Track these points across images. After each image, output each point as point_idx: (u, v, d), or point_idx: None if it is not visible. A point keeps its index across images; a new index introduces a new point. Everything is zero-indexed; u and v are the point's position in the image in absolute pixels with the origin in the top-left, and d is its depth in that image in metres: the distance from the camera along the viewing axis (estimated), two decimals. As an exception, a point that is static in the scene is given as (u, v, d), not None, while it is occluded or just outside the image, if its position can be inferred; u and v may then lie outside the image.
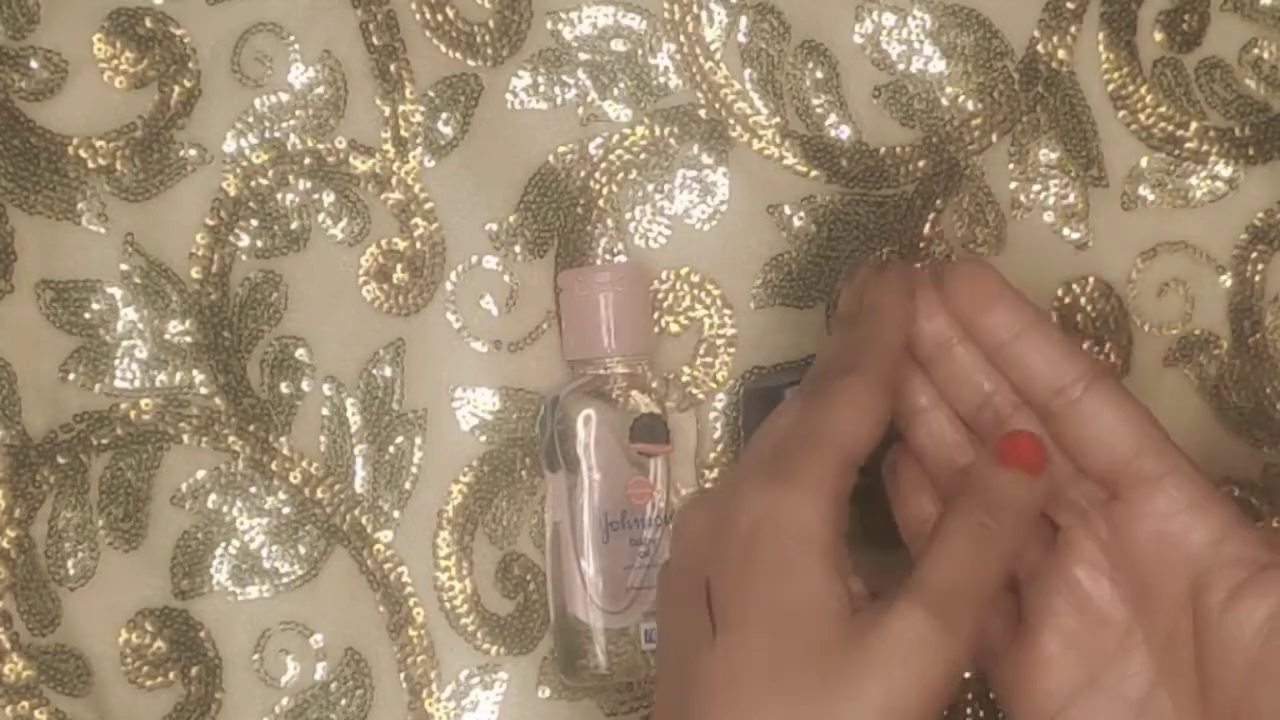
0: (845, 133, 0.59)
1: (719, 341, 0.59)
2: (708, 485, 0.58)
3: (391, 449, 0.58)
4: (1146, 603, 0.46)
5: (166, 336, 0.58)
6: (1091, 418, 0.46)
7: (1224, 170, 0.59)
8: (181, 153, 0.58)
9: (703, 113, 0.59)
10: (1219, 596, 0.44)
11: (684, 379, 0.59)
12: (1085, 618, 0.47)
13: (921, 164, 0.59)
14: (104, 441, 0.57)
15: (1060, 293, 0.59)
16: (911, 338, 0.48)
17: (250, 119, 0.58)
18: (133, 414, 0.58)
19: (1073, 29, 0.59)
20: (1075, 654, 0.47)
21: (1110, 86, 0.59)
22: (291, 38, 0.58)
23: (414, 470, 0.58)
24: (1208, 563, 0.45)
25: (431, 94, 0.58)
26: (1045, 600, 0.47)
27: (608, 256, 0.59)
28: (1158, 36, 0.59)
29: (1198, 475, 0.46)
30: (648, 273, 0.58)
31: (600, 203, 0.59)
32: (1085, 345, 0.59)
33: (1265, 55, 0.59)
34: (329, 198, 0.58)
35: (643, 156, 0.59)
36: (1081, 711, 0.47)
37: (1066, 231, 0.59)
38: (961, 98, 0.59)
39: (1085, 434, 0.46)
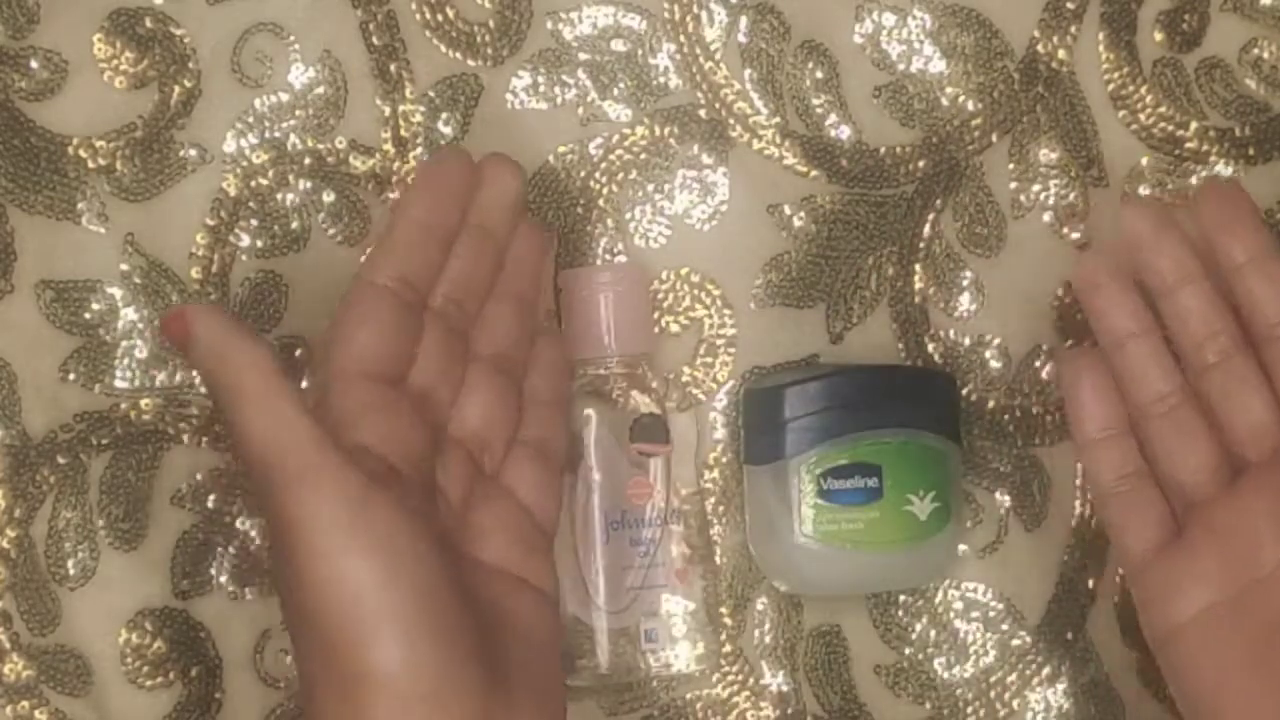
0: (845, 133, 0.59)
1: (719, 341, 0.59)
2: (707, 485, 0.58)
3: (391, 449, 0.58)
4: None
5: (166, 336, 0.58)
6: None
7: (1224, 170, 0.59)
8: (181, 153, 0.58)
9: (703, 113, 0.59)
10: None
11: (684, 379, 0.59)
12: (1247, 545, 0.48)
13: (921, 164, 0.59)
14: (104, 441, 0.57)
15: (1060, 293, 0.59)
16: (1150, 269, 0.50)
17: (250, 119, 0.58)
18: (133, 414, 0.58)
19: (1073, 29, 0.59)
20: (1229, 573, 0.48)
21: (1110, 86, 0.59)
22: (291, 38, 0.58)
23: (414, 470, 0.58)
24: None
25: (431, 94, 0.58)
26: (1213, 519, 0.49)
27: (608, 256, 0.59)
28: (1158, 36, 0.59)
29: None
30: (648, 273, 0.58)
31: (600, 203, 0.59)
32: (1085, 344, 0.59)
33: (1265, 55, 0.59)
34: (329, 198, 0.58)
35: (643, 156, 0.59)
36: (1223, 633, 0.48)
37: (1066, 231, 0.59)
38: (961, 98, 0.59)
39: None
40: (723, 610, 0.58)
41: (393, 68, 0.58)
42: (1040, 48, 0.59)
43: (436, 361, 0.49)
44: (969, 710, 0.58)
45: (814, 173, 0.59)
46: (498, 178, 0.52)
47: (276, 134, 0.58)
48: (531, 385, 0.52)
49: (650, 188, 0.59)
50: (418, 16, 0.58)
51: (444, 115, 0.58)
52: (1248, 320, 0.50)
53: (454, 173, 0.51)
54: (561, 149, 0.59)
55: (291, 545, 0.42)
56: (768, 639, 0.58)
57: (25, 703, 0.57)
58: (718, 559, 0.58)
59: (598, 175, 0.59)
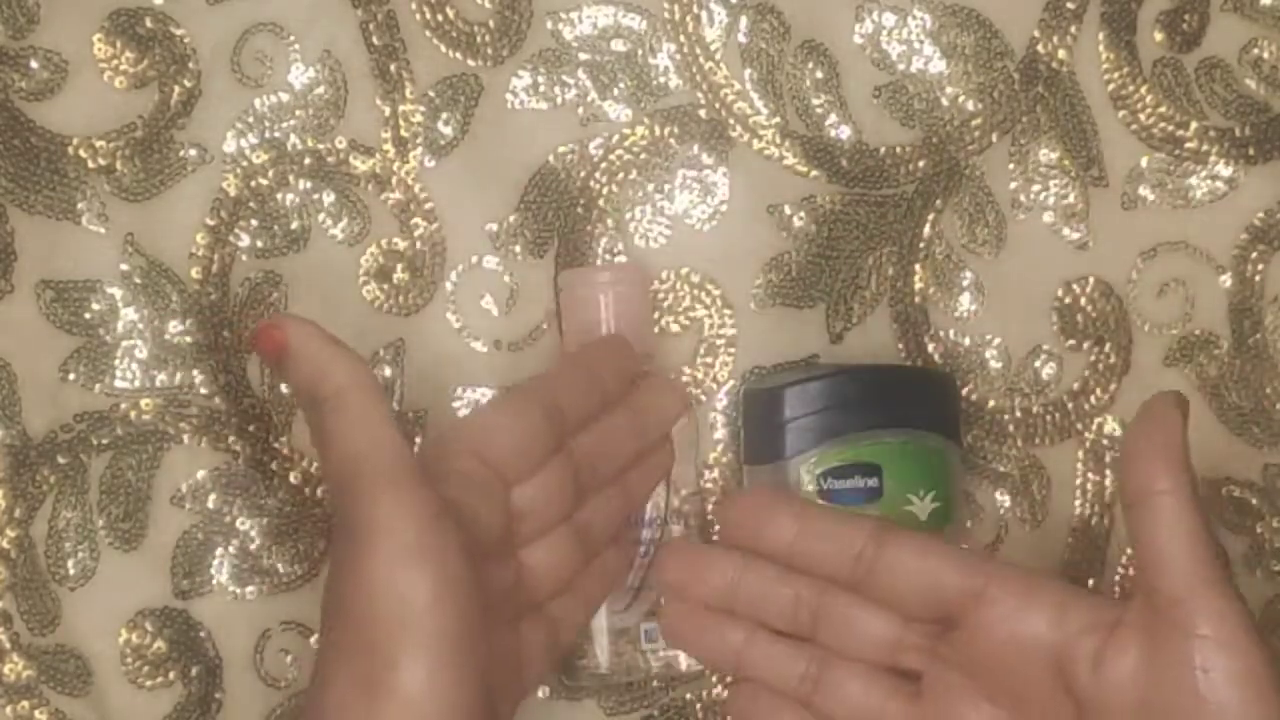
0: (845, 133, 0.59)
1: (719, 341, 0.59)
2: (707, 485, 0.58)
3: (391, 449, 0.58)
4: (1026, 706, 0.47)
5: (166, 336, 0.58)
6: (895, 567, 0.48)
7: (1224, 170, 0.59)
8: (181, 153, 0.58)
9: (703, 113, 0.59)
10: (1084, 668, 0.45)
11: (684, 379, 0.59)
12: None
13: (921, 164, 0.59)
14: (104, 441, 0.57)
15: (1060, 293, 0.59)
16: (704, 595, 0.51)
17: (250, 119, 0.58)
18: (133, 414, 0.58)
19: (1073, 29, 0.59)
20: None
21: (1110, 86, 0.59)
22: (291, 38, 0.58)
23: (414, 470, 0.58)
24: (1060, 643, 0.45)
25: (431, 94, 0.58)
26: None
27: (608, 256, 0.59)
28: (1158, 36, 0.59)
29: (1013, 570, 0.47)
30: (648, 273, 0.58)
31: (600, 203, 0.59)
32: (1085, 345, 0.59)
33: (1265, 55, 0.59)
34: (329, 198, 0.58)
35: (643, 156, 0.59)
36: None
37: (1066, 231, 0.59)
38: (961, 98, 0.59)
39: (897, 583, 0.48)
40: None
41: (393, 68, 0.58)
42: (1040, 48, 0.59)
43: (543, 497, 0.50)
44: None
45: (814, 173, 0.59)
46: (668, 399, 0.55)
47: (276, 134, 0.58)
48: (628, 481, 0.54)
49: (650, 188, 0.59)
50: (418, 16, 0.58)
51: (444, 115, 0.58)
52: (834, 576, 0.49)
53: (628, 356, 0.54)
54: (561, 149, 0.59)
55: (357, 549, 0.44)
56: (768, 639, 0.58)
57: (25, 703, 0.57)
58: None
59: (598, 175, 0.59)
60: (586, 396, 0.52)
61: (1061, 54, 0.59)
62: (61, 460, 0.57)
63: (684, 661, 0.56)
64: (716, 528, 0.58)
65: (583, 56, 0.59)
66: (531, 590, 0.51)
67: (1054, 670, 0.45)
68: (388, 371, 0.58)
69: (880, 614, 0.49)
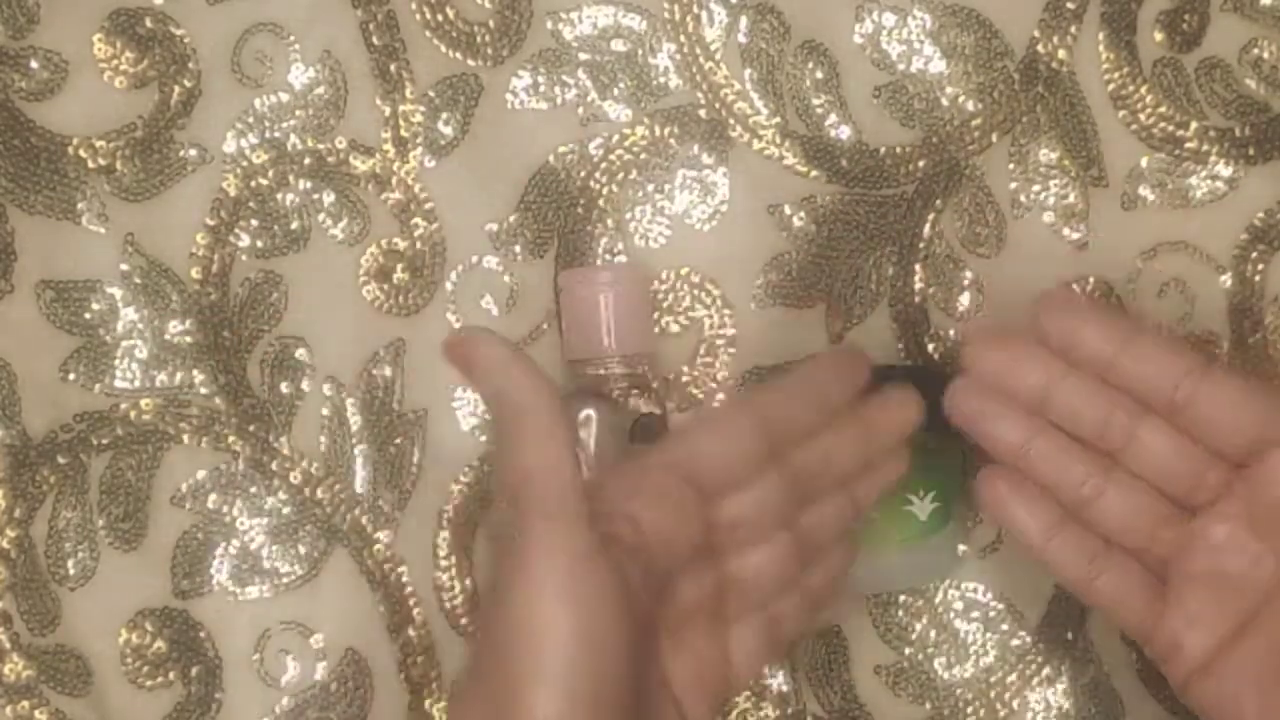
0: (845, 133, 0.59)
1: (719, 341, 0.59)
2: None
3: (391, 449, 0.58)
4: None
5: (166, 336, 0.58)
6: (1212, 401, 0.49)
7: (1224, 170, 0.59)
8: (181, 153, 0.58)
9: (703, 113, 0.59)
10: None
11: (684, 379, 0.59)
12: (1229, 576, 0.49)
13: (921, 164, 0.59)
14: (104, 441, 0.57)
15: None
16: (1015, 391, 0.51)
17: (250, 119, 0.58)
18: (133, 414, 0.58)
19: (1073, 29, 0.59)
20: (1220, 609, 0.49)
21: (1110, 86, 0.59)
22: (291, 38, 0.58)
23: (414, 470, 0.58)
24: None
25: (431, 94, 0.58)
26: (1188, 566, 0.50)
27: (608, 256, 0.59)
28: (1158, 36, 0.59)
29: None
30: (648, 273, 0.58)
31: (600, 203, 0.59)
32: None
33: (1265, 55, 0.59)
34: (329, 198, 0.58)
35: (643, 156, 0.59)
36: (1234, 662, 0.49)
37: (1066, 231, 0.59)
38: (961, 98, 0.59)
39: (1211, 417, 0.49)
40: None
41: (393, 68, 0.58)
42: (1040, 48, 0.59)
43: (756, 506, 0.50)
44: (969, 710, 0.58)
45: (814, 173, 0.59)
46: (903, 412, 0.54)
47: (276, 134, 0.58)
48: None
49: (650, 188, 0.59)
50: (418, 16, 0.58)
51: (444, 115, 0.58)
52: (1146, 399, 0.50)
53: (858, 369, 0.53)
54: (561, 149, 0.59)
55: (511, 572, 0.44)
56: (768, 639, 0.58)
57: (25, 703, 0.57)
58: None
59: (598, 175, 0.59)
60: (805, 409, 0.51)
61: (1061, 54, 0.59)
62: (61, 460, 0.57)
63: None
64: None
65: (583, 56, 0.59)
66: (746, 596, 0.51)
67: None
68: (388, 371, 0.58)
69: (1190, 447, 0.49)
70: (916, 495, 0.55)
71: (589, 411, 0.55)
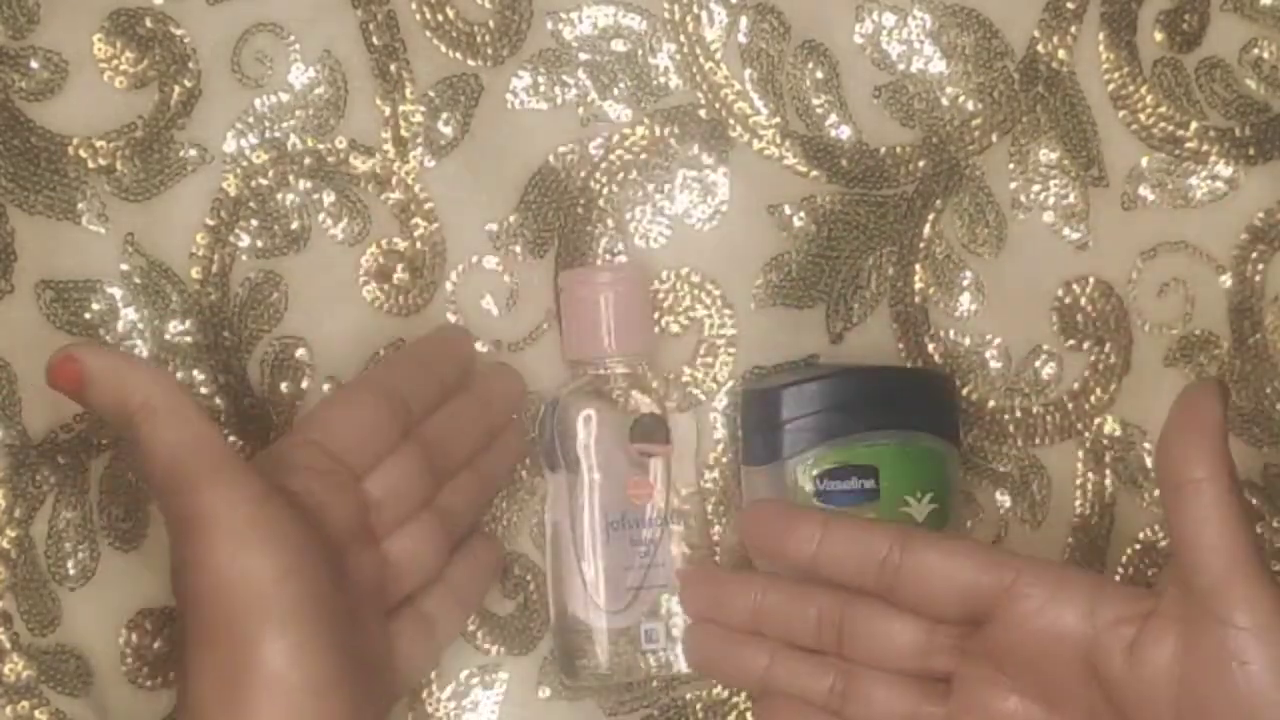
0: (845, 133, 0.59)
1: (719, 341, 0.59)
2: (707, 485, 0.58)
3: (391, 449, 0.58)
4: (1058, 700, 0.47)
5: (167, 336, 0.58)
6: (921, 569, 0.48)
7: (1224, 170, 0.59)
8: (182, 153, 0.58)
9: (703, 113, 0.59)
10: (1118, 660, 0.44)
11: (684, 379, 0.59)
12: None
13: (921, 164, 0.59)
14: (104, 441, 0.57)
15: (1060, 293, 0.59)
16: (728, 620, 0.52)
17: (250, 119, 0.58)
18: (133, 414, 0.58)
19: (1073, 29, 0.59)
20: None
21: (1110, 86, 0.59)
22: (291, 38, 0.58)
23: (414, 470, 0.58)
24: (1092, 635, 0.45)
25: (431, 94, 0.58)
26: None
27: (608, 256, 0.59)
28: (1158, 36, 0.59)
29: (1042, 564, 0.47)
30: (648, 273, 0.58)
31: (600, 203, 0.59)
32: (1085, 345, 0.59)
33: (1265, 55, 0.59)
34: (329, 198, 0.58)
35: (643, 156, 0.59)
36: None
37: (1066, 231, 0.59)
38: (961, 98, 0.59)
39: (924, 586, 0.48)
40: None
41: (393, 68, 0.58)
42: (1040, 48, 0.59)
43: (398, 481, 0.51)
44: None
45: (814, 173, 0.59)
46: (507, 385, 0.57)
47: (276, 134, 0.58)
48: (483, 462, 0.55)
49: (650, 188, 0.59)
50: (418, 16, 0.58)
51: (444, 115, 0.58)
52: (860, 584, 0.49)
53: (465, 346, 0.57)
54: (561, 149, 0.59)
55: (193, 543, 0.45)
56: (768, 639, 0.58)
57: (25, 703, 0.57)
58: (718, 559, 0.58)
59: (598, 175, 0.59)
60: (425, 384, 0.53)
61: (1061, 54, 0.59)
62: (61, 460, 0.57)
63: (683, 662, 0.56)
64: (717, 530, 0.58)
65: (583, 56, 0.59)
66: (399, 581, 0.51)
67: (1086, 662, 0.45)
68: (388, 371, 0.58)
69: (907, 620, 0.49)
70: (913, 497, 0.55)
71: (589, 411, 0.55)
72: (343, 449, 0.50)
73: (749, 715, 0.58)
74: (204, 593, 0.45)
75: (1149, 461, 0.59)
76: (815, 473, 0.54)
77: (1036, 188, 0.59)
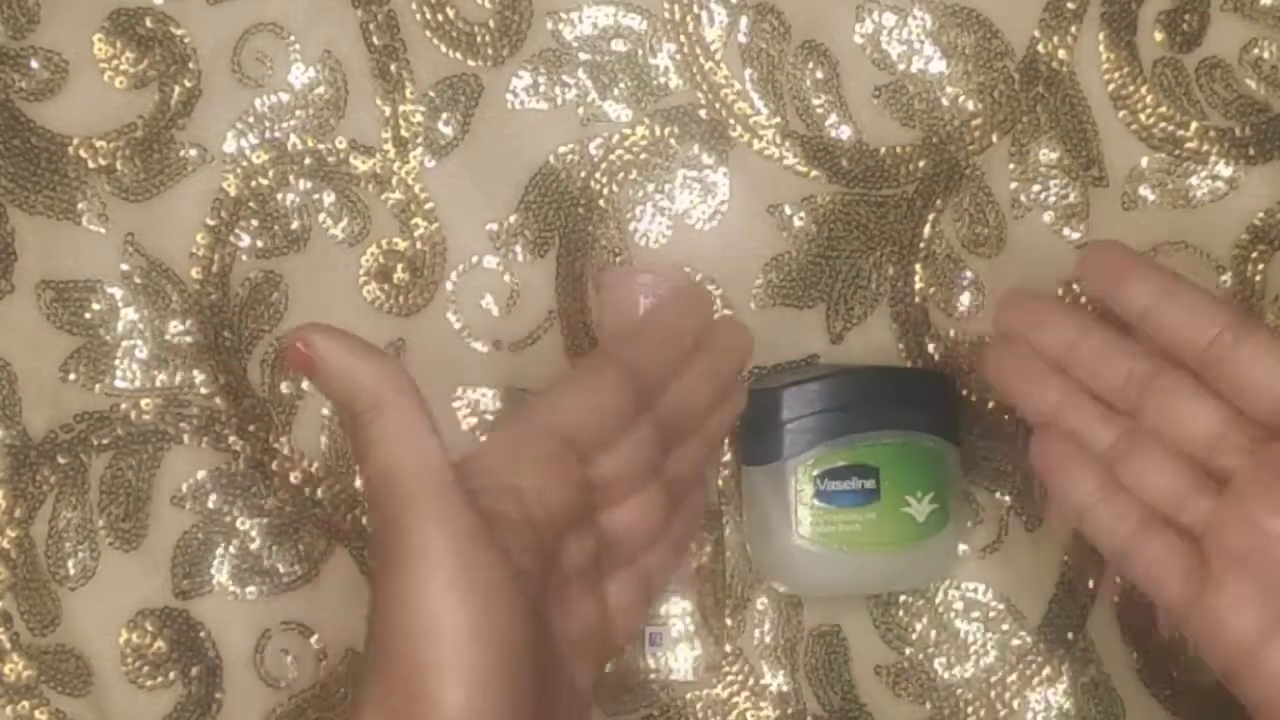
0: (845, 133, 0.59)
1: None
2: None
3: (391, 449, 0.58)
4: None
5: (167, 336, 0.58)
6: (1248, 361, 0.47)
7: (1224, 170, 0.59)
8: (182, 153, 0.58)
9: (703, 113, 0.59)
10: None
11: (684, 379, 0.59)
12: (1269, 555, 0.47)
13: (921, 164, 0.59)
14: (104, 441, 0.57)
15: (1060, 293, 0.59)
16: (1040, 345, 0.51)
17: (250, 119, 0.58)
18: (133, 414, 0.58)
19: (1073, 29, 0.59)
20: (1265, 592, 0.47)
21: (1110, 86, 0.59)
22: (292, 38, 0.58)
23: (414, 470, 0.58)
24: None
25: (432, 94, 0.58)
26: (1227, 543, 0.48)
27: (608, 257, 0.59)
28: (1158, 36, 0.59)
29: None
30: (688, 276, 0.58)
31: (601, 203, 0.59)
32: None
33: (1265, 55, 0.59)
34: (329, 198, 0.58)
35: (643, 156, 0.59)
36: (1277, 649, 0.47)
37: (1066, 231, 0.59)
38: (962, 98, 0.59)
39: (1244, 377, 0.47)
40: (725, 611, 0.58)
41: (393, 68, 0.58)
42: (1040, 48, 0.59)
43: (630, 460, 0.49)
44: (969, 710, 0.58)
45: (814, 173, 0.59)
46: (738, 340, 0.54)
47: (276, 134, 0.58)
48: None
49: (651, 188, 0.59)
50: (418, 16, 0.58)
51: (444, 115, 0.58)
52: (1179, 353, 0.49)
53: (706, 308, 0.54)
54: (561, 149, 0.59)
55: (397, 569, 0.43)
56: (768, 639, 0.58)
57: (25, 703, 0.57)
58: (729, 554, 0.58)
59: (598, 175, 0.59)
60: (668, 357, 0.51)
61: (1062, 54, 0.59)
62: (62, 460, 0.57)
63: (683, 668, 0.56)
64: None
65: (583, 56, 0.59)
66: (623, 549, 0.50)
67: None
68: (388, 371, 0.58)
69: (1212, 406, 0.48)
70: (914, 497, 0.55)
71: None
72: (578, 433, 0.48)
73: (749, 715, 0.58)
74: (396, 629, 0.43)
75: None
76: (816, 473, 0.54)
77: (1036, 188, 0.59)
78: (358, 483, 0.58)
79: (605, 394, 0.48)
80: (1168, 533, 0.49)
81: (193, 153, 0.58)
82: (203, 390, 0.58)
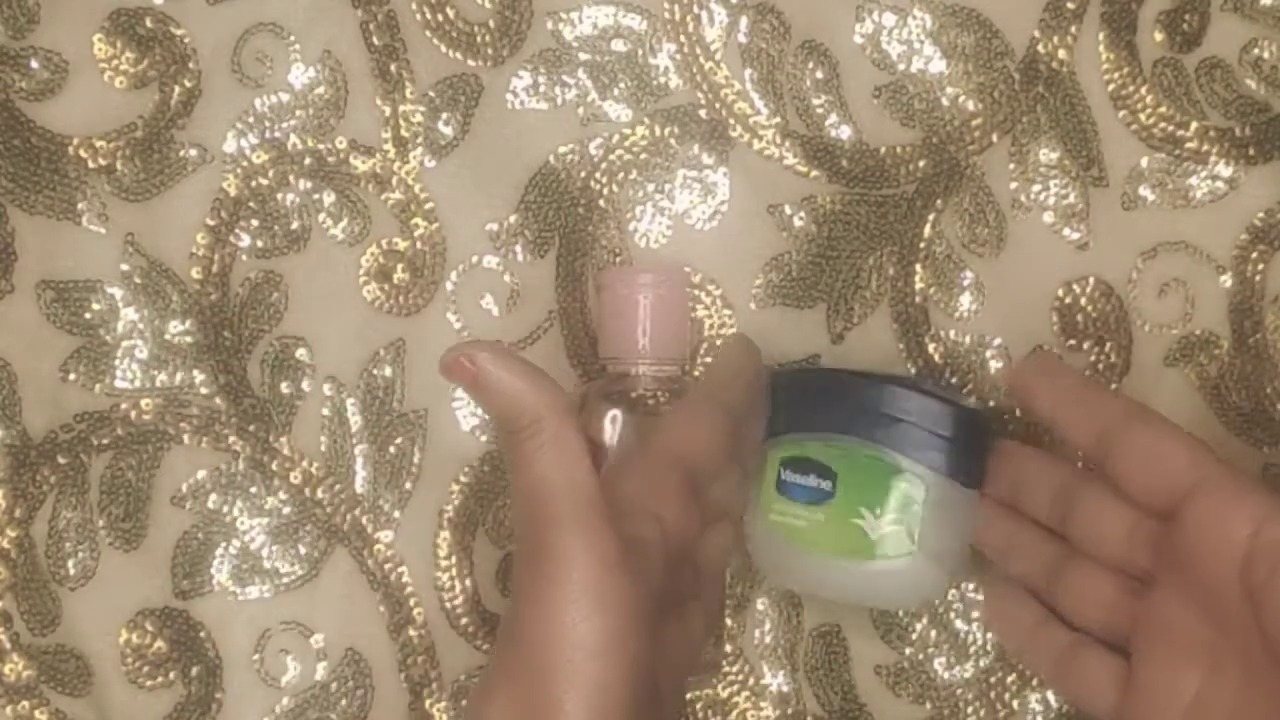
0: (845, 133, 0.59)
1: (719, 341, 0.59)
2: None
3: (392, 449, 0.58)
4: (1224, 616, 0.47)
5: (167, 336, 0.58)
6: (1133, 453, 0.49)
7: (1224, 170, 0.59)
8: (182, 153, 0.58)
9: (703, 113, 0.59)
10: (1261, 575, 0.45)
11: (684, 379, 0.58)
12: (1183, 647, 0.49)
13: (921, 164, 0.59)
14: (104, 441, 0.57)
15: (1060, 293, 0.59)
16: (1023, 503, 0.54)
17: (250, 119, 0.58)
18: (133, 414, 0.58)
19: (1073, 29, 0.59)
20: (1176, 680, 0.49)
21: (1110, 86, 0.59)
22: (292, 38, 0.58)
23: (414, 470, 0.58)
24: (1248, 550, 0.46)
25: (432, 94, 0.58)
26: (1150, 645, 0.50)
27: (608, 257, 0.59)
28: (1158, 36, 0.59)
29: (1231, 476, 0.48)
30: (687, 276, 0.58)
31: (601, 203, 0.59)
32: (1085, 345, 0.59)
33: (1265, 55, 0.59)
34: (329, 198, 0.58)
35: (643, 156, 0.59)
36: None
37: (1066, 231, 0.59)
38: (962, 98, 0.59)
39: (1132, 469, 0.49)
40: (725, 611, 0.58)
41: (393, 68, 0.58)
42: (1040, 48, 0.59)
43: (729, 490, 0.54)
44: (969, 710, 0.58)
45: (814, 173, 0.59)
46: (755, 360, 0.57)
47: (276, 134, 0.58)
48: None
49: (651, 188, 0.59)
50: (418, 16, 0.58)
51: (444, 115, 0.58)
52: (1086, 453, 0.52)
53: (756, 354, 0.58)
54: (561, 149, 0.59)
55: (542, 579, 0.45)
56: (768, 639, 0.58)
57: (25, 703, 0.57)
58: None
59: (598, 175, 0.59)
60: (747, 399, 0.55)
61: (1062, 54, 0.59)
62: (62, 460, 0.57)
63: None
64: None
65: (583, 56, 0.59)
66: (703, 573, 0.52)
67: (1240, 580, 0.46)
68: (388, 371, 0.58)
69: (1121, 508, 0.50)
70: (871, 512, 0.53)
71: (615, 412, 0.55)
72: (700, 466, 0.51)
73: (749, 715, 0.58)
74: (532, 634, 0.45)
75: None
76: (781, 457, 0.54)
77: (1036, 188, 0.59)
78: (358, 483, 0.58)
79: (720, 431, 0.52)
80: (1098, 651, 0.52)
81: (193, 153, 0.58)
82: (203, 390, 0.58)
